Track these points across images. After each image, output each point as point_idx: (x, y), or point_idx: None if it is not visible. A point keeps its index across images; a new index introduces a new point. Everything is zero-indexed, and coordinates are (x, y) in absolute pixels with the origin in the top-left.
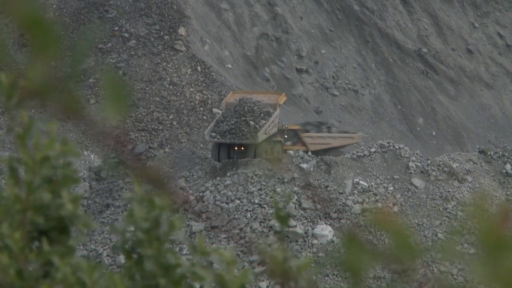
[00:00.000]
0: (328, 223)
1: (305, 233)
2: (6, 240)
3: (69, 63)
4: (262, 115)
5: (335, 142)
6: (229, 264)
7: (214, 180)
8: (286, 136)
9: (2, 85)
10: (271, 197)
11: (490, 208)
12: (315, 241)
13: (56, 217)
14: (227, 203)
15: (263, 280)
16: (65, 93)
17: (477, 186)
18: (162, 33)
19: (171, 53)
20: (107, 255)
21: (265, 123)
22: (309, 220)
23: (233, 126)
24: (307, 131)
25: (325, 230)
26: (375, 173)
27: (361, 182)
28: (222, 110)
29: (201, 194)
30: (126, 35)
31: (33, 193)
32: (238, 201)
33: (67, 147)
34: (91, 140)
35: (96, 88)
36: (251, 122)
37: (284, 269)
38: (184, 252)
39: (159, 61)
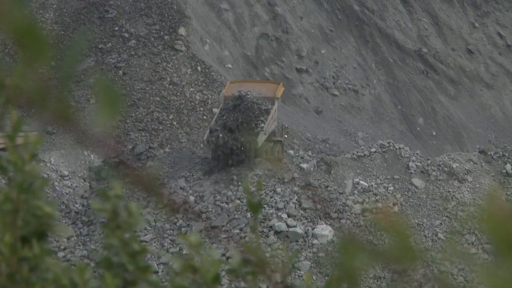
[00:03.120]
0: (328, 223)
1: (305, 233)
2: None
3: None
4: (261, 114)
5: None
6: (195, 247)
7: (214, 181)
8: (286, 136)
9: None
10: (243, 185)
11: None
12: (315, 241)
13: (35, 221)
14: (227, 203)
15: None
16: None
17: (477, 186)
18: (162, 33)
19: (171, 53)
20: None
21: (263, 126)
22: (309, 220)
23: (231, 140)
24: None
25: (325, 230)
26: (375, 173)
27: (361, 182)
28: (220, 104)
29: (201, 194)
30: (126, 35)
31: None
32: (238, 201)
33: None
34: (92, 140)
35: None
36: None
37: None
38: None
39: (159, 61)
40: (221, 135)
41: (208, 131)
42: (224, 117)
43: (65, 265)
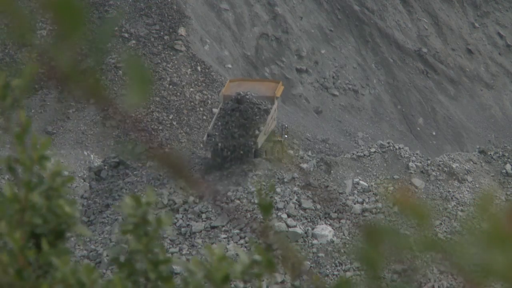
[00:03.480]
0: (328, 223)
1: (305, 233)
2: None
3: (92, 50)
4: (260, 115)
5: None
6: (219, 260)
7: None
8: (286, 136)
9: None
10: (254, 187)
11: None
12: (315, 241)
13: (53, 221)
14: (227, 203)
15: (263, 280)
16: (91, 77)
17: (477, 186)
18: (162, 33)
19: (171, 53)
20: (107, 255)
21: (263, 127)
22: (309, 220)
23: (230, 147)
24: None
25: (325, 230)
26: (375, 173)
27: (361, 182)
28: (219, 103)
29: (200, 194)
30: (126, 35)
31: (32, 192)
32: (238, 201)
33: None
34: (92, 140)
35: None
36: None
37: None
38: (184, 252)
39: (159, 61)
40: (219, 144)
41: (206, 135)
42: (225, 119)
43: (73, 264)
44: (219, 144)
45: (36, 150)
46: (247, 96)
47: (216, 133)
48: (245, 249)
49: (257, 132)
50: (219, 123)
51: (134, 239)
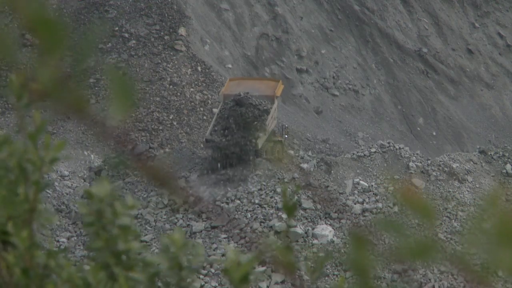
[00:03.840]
0: (328, 223)
1: (305, 233)
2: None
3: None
4: (260, 117)
5: None
6: (180, 248)
7: (214, 181)
8: (286, 136)
9: (13, 86)
10: (280, 187)
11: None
12: (315, 241)
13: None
14: (227, 203)
15: (263, 280)
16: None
17: (477, 186)
18: (162, 33)
19: (171, 53)
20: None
21: (263, 132)
22: (309, 220)
23: (230, 148)
24: None
25: (325, 230)
26: (375, 173)
27: (361, 182)
28: (219, 103)
29: (201, 194)
30: (126, 35)
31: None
32: (238, 201)
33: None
34: (92, 140)
35: (97, 88)
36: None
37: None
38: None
39: (159, 61)
40: (219, 145)
41: (205, 140)
42: (224, 121)
43: (79, 264)
44: (219, 145)
45: (48, 151)
46: (247, 97)
47: (216, 137)
48: (245, 249)
49: (258, 135)
50: (219, 125)
51: (94, 237)
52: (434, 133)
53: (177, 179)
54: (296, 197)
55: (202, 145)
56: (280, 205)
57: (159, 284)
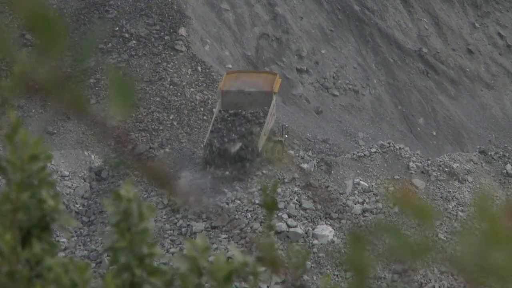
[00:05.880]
0: (329, 223)
1: (306, 233)
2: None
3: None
4: (259, 116)
5: None
6: (203, 251)
7: (213, 182)
8: (286, 136)
9: None
10: (259, 184)
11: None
12: (315, 241)
13: (38, 215)
14: (227, 203)
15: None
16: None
17: (477, 186)
18: (162, 33)
19: (172, 53)
20: (108, 255)
21: (262, 129)
22: (310, 220)
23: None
24: None
25: (325, 230)
26: (375, 173)
27: (361, 182)
28: (218, 99)
29: (200, 194)
30: (127, 35)
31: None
32: (238, 201)
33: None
34: (92, 140)
35: (97, 88)
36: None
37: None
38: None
39: (160, 61)
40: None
41: (203, 145)
42: (222, 130)
43: (65, 262)
44: (218, 146)
45: (25, 149)
46: (241, 113)
47: (215, 140)
48: (245, 249)
49: (256, 140)
50: (218, 126)
51: (118, 236)
52: (434, 133)
53: (177, 179)
54: (274, 194)
55: (202, 145)
56: (280, 205)
57: None
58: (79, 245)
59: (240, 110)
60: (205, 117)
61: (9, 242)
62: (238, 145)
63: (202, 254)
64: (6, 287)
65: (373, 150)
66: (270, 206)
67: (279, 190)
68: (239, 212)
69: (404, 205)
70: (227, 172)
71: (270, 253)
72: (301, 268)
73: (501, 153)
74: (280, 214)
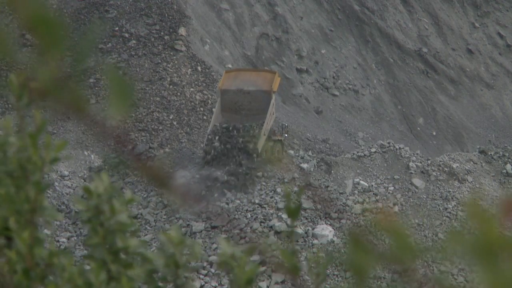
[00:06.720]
0: (329, 223)
1: (305, 233)
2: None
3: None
4: (258, 117)
5: None
6: (177, 245)
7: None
8: (286, 135)
9: (12, 85)
10: (282, 190)
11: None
12: (315, 241)
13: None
14: (227, 203)
15: (263, 280)
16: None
17: (477, 186)
18: (162, 33)
19: (172, 53)
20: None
21: (261, 130)
22: (309, 220)
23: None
24: None
25: (325, 230)
26: (375, 173)
27: (361, 182)
28: (217, 99)
29: (201, 194)
30: (127, 35)
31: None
32: (238, 201)
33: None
34: (92, 140)
35: (97, 88)
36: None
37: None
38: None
39: (160, 61)
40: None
41: (203, 151)
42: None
43: (80, 264)
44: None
45: (49, 151)
46: (239, 128)
47: (212, 151)
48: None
49: (255, 141)
50: (217, 129)
51: (91, 232)
52: (434, 133)
53: (177, 179)
54: (299, 200)
55: (202, 145)
56: (280, 205)
57: (157, 279)
58: (78, 245)
59: (234, 124)
60: (205, 117)
61: (27, 241)
62: (226, 177)
63: (176, 247)
64: (21, 285)
65: (373, 150)
66: (294, 212)
67: (278, 190)
68: (239, 212)
69: (384, 229)
70: (228, 175)
71: (291, 260)
72: (321, 276)
73: (501, 153)
74: (280, 214)
